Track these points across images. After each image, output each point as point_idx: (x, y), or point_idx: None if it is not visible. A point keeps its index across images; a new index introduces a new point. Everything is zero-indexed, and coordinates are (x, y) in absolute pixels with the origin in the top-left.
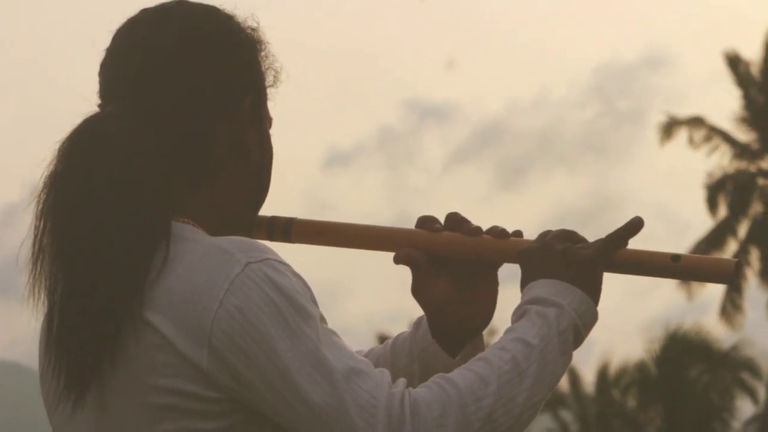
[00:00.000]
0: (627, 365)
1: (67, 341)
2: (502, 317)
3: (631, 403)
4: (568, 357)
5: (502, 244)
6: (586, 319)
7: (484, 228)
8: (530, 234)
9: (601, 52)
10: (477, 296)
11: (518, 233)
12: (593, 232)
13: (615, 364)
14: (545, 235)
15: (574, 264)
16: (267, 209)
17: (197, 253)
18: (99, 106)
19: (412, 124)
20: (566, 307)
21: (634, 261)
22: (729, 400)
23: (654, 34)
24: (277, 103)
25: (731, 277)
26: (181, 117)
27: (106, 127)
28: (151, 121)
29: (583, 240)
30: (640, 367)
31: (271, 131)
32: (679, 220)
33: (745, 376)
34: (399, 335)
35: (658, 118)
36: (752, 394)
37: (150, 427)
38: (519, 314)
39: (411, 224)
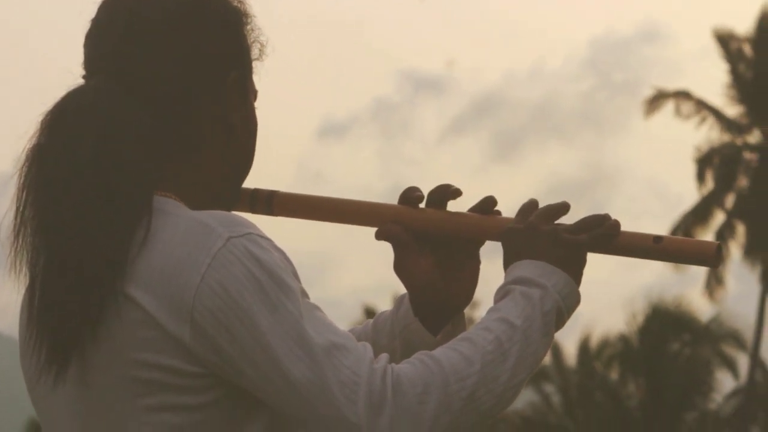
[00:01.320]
0: (609, 338)
1: (48, 315)
2: (483, 291)
3: (613, 375)
4: (550, 338)
5: (485, 222)
6: (569, 301)
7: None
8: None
9: (596, 25)
10: (458, 274)
11: (498, 213)
12: (587, 203)
13: (598, 337)
14: (527, 213)
15: (558, 245)
16: (261, 178)
17: (179, 227)
18: (83, 77)
19: (408, 95)
20: (550, 289)
21: (616, 242)
22: (710, 373)
23: (649, 8)
24: (271, 73)
25: (713, 260)
26: (165, 90)
27: (89, 100)
28: (135, 94)
29: (565, 211)
30: (623, 339)
31: (265, 102)
32: (672, 192)
33: (727, 349)
34: (380, 314)
35: (652, 91)
36: (733, 368)
37: (131, 402)
38: (502, 294)
39: None
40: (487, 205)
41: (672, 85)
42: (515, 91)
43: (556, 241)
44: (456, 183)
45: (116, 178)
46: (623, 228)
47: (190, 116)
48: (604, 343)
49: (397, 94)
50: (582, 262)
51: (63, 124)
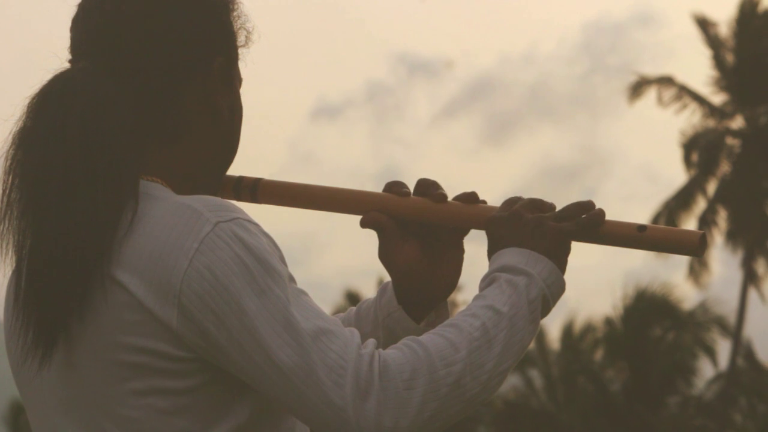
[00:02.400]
0: (593, 323)
1: (35, 297)
2: (467, 276)
3: (597, 359)
4: (536, 326)
5: (469, 211)
6: (554, 290)
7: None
8: (514, 187)
9: (589, 8)
10: (443, 262)
11: (483, 202)
12: (580, 187)
13: (583, 321)
14: (512, 203)
15: (543, 234)
16: (252, 158)
17: (166, 211)
18: (69, 61)
19: (402, 78)
20: (536, 277)
21: (601, 231)
22: (693, 358)
23: None
24: (265, 53)
25: (697, 249)
26: (151, 75)
27: (76, 84)
28: (121, 78)
29: (551, 208)
30: (608, 324)
31: (258, 82)
32: (663, 176)
33: (711, 335)
34: (363, 301)
35: (655, 75)
36: (712, 354)
37: (118, 386)
38: (488, 281)
39: (397, 178)
40: (469, 199)
41: (665, 69)
42: (508, 74)
43: (541, 230)
44: (449, 166)
45: (102, 162)
46: (616, 211)
47: (176, 101)
48: (588, 328)
49: (391, 77)
50: (567, 250)
51: (49, 107)
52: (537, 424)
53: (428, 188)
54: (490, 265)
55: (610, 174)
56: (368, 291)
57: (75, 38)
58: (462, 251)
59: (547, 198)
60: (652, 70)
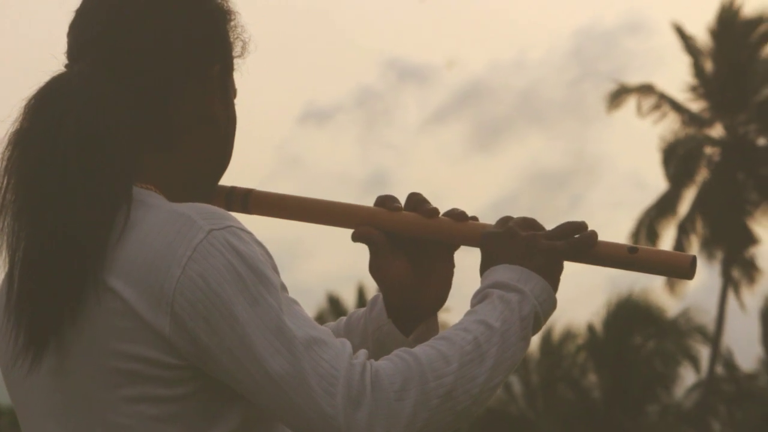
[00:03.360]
0: (573, 329)
1: (27, 299)
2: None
3: (577, 367)
4: (527, 343)
5: (461, 227)
6: (546, 307)
7: (443, 210)
8: (503, 193)
9: (580, 15)
10: (432, 277)
11: (474, 218)
12: (568, 194)
13: (562, 328)
14: (506, 221)
15: (536, 252)
16: (239, 160)
17: (159, 218)
18: (66, 66)
19: (391, 84)
20: (528, 294)
21: (592, 252)
22: (674, 367)
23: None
24: (255, 56)
25: (687, 272)
26: (148, 80)
27: (72, 86)
28: (118, 83)
29: (542, 228)
30: (589, 331)
31: (247, 86)
32: (651, 184)
33: (693, 343)
34: (353, 313)
35: (636, 83)
36: (696, 362)
37: (109, 392)
38: (480, 297)
39: (384, 184)
40: (459, 216)
41: (654, 77)
42: (498, 81)
43: (534, 247)
44: (437, 171)
45: (98, 165)
46: (604, 218)
47: (172, 108)
48: (568, 335)
49: (381, 82)
50: (559, 269)
51: (46, 109)
52: (516, 431)
53: (419, 203)
54: (482, 281)
55: (599, 181)
56: (348, 296)
57: (72, 42)
58: (452, 266)
59: (536, 203)
60: (641, 78)
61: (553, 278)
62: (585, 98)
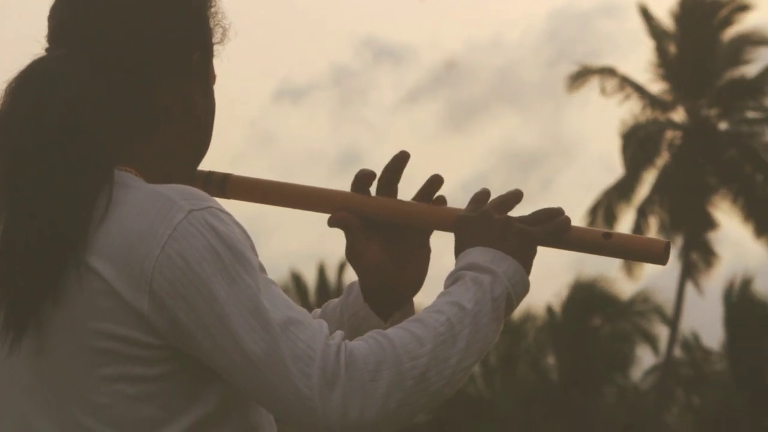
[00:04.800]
0: (534, 310)
1: (6, 280)
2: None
3: (536, 348)
4: (500, 324)
5: (437, 211)
6: (519, 289)
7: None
8: (476, 173)
9: None
10: (409, 261)
11: (442, 199)
12: (540, 174)
13: (522, 308)
14: (480, 201)
15: (510, 235)
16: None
17: (139, 199)
18: (46, 50)
19: (367, 63)
20: (501, 275)
21: (567, 237)
22: (631, 349)
23: None
24: (232, 33)
25: (660, 257)
26: (128, 65)
27: (53, 70)
28: (98, 68)
29: (517, 198)
30: (549, 312)
31: (221, 63)
32: (621, 165)
33: (651, 324)
34: (329, 302)
35: (610, 65)
36: (653, 343)
37: (89, 372)
38: (453, 279)
39: (358, 162)
40: (434, 185)
41: (628, 60)
42: (474, 61)
43: (509, 231)
44: (411, 150)
45: (78, 148)
46: (575, 199)
47: (152, 93)
48: (527, 316)
49: (356, 61)
50: (532, 253)
51: (26, 93)
52: (474, 411)
53: (393, 179)
54: (456, 264)
55: (571, 162)
56: (309, 274)
57: (53, 26)
58: (428, 250)
59: (508, 184)
60: (616, 60)
61: (526, 261)
62: (560, 80)
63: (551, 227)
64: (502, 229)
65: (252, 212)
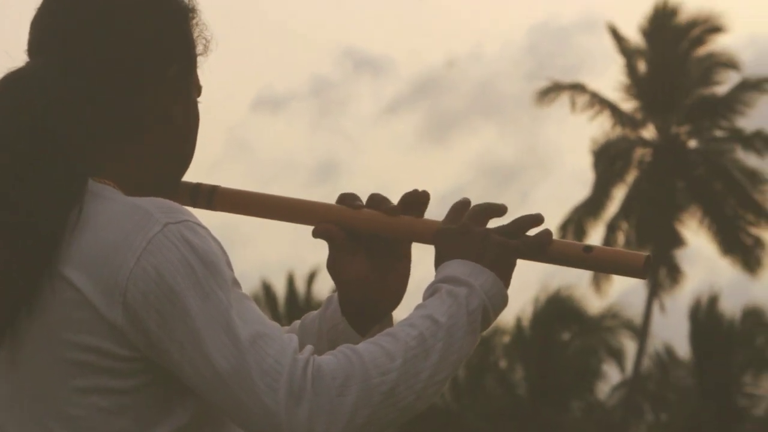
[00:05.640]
0: (502, 324)
1: None
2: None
3: (504, 361)
4: (476, 337)
5: (419, 224)
6: (496, 302)
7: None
8: (454, 185)
9: (536, 11)
10: (390, 277)
11: (398, 209)
12: (517, 187)
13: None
14: (459, 212)
15: (489, 248)
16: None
17: (115, 211)
18: (26, 62)
19: (347, 74)
20: (477, 288)
21: (547, 250)
22: (599, 363)
23: None
24: (212, 41)
25: (641, 272)
26: (104, 76)
27: (28, 79)
28: (75, 78)
29: (498, 212)
30: (517, 326)
31: (200, 70)
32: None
33: (619, 339)
34: (307, 315)
35: (589, 81)
36: (620, 359)
37: (62, 384)
38: (430, 292)
39: (336, 173)
40: (419, 198)
41: (606, 76)
42: (453, 74)
43: (488, 243)
44: (390, 162)
45: (52, 157)
46: (550, 214)
47: (128, 106)
48: (495, 329)
49: (336, 72)
50: (511, 265)
51: (1, 101)
52: (442, 424)
53: (380, 202)
54: (435, 276)
55: (548, 176)
56: (279, 284)
57: (32, 37)
58: (409, 261)
59: (486, 196)
60: (595, 76)
61: (505, 275)
62: (538, 94)
63: (532, 240)
64: (482, 241)
65: (225, 222)
